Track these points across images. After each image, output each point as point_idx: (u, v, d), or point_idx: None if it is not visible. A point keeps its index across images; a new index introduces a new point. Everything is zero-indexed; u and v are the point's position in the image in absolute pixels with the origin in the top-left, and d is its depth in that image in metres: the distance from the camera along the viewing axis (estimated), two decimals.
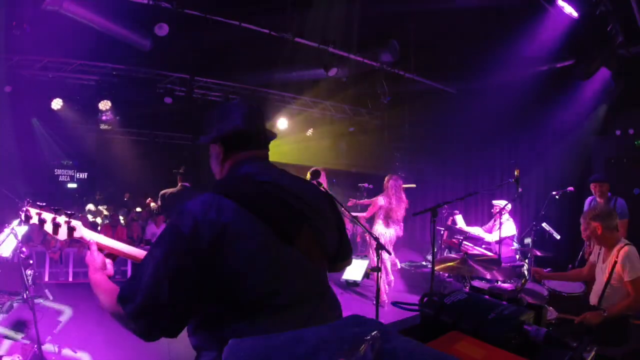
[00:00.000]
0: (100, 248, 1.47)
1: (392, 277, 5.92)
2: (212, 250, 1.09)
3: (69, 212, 1.53)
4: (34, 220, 1.49)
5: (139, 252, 1.52)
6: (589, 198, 4.84)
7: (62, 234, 1.49)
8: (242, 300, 1.13)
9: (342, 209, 3.56)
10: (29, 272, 4.00)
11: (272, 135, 1.42)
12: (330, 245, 1.36)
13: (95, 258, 1.40)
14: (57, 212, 1.51)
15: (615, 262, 2.93)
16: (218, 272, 1.10)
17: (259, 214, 1.16)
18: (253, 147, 1.35)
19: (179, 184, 5.40)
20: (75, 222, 1.51)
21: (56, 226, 1.49)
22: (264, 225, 1.15)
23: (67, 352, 3.74)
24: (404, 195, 5.60)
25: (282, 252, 1.17)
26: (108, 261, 1.46)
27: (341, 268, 1.55)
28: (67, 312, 4.63)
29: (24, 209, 1.49)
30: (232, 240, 1.10)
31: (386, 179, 5.66)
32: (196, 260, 1.09)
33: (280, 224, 1.19)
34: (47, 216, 1.50)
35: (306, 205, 1.28)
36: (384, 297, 5.38)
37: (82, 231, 1.51)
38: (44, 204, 1.53)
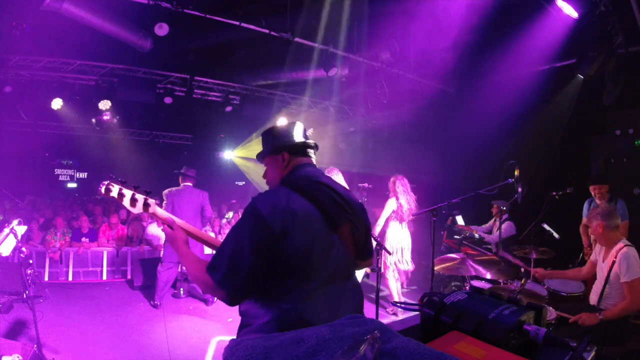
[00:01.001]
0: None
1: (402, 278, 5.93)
2: (283, 229, 1.37)
3: (146, 189, 1.74)
4: (114, 193, 1.66)
5: (201, 233, 1.75)
6: (588, 200, 4.80)
7: (138, 208, 1.70)
8: (298, 272, 1.40)
9: None
10: (29, 272, 4.00)
11: (317, 147, 1.77)
12: (359, 240, 1.64)
13: (181, 233, 1.66)
14: (136, 189, 1.72)
15: (614, 262, 2.93)
16: (285, 248, 1.37)
17: (317, 204, 1.48)
18: (307, 155, 1.71)
19: (182, 184, 5.42)
20: (151, 200, 1.72)
21: (134, 201, 1.69)
22: (320, 213, 1.48)
23: None
24: (412, 192, 5.49)
25: (330, 236, 1.50)
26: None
27: (362, 267, 1.83)
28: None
29: (105, 182, 1.67)
30: (298, 222, 1.41)
31: (391, 180, 5.53)
32: (270, 236, 1.37)
33: (330, 214, 1.50)
34: (127, 192, 1.69)
35: (346, 203, 1.58)
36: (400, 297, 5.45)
37: (155, 208, 1.72)
38: (125, 180, 1.71)
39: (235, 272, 1.36)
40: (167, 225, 1.67)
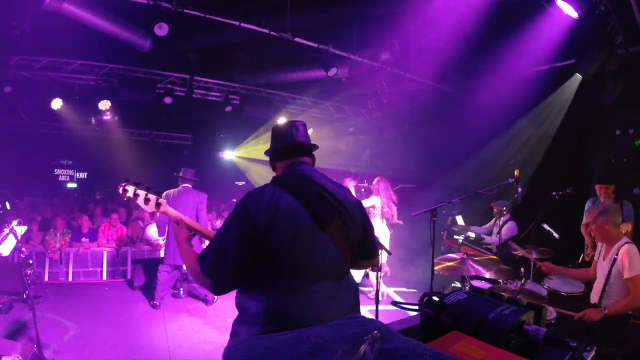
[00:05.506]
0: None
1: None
2: (268, 225, 1.45)
3: (158, 191, 1.94)
4: (130, 194, 1.88)
5: (207, 231, 1.91)
6: (591, 199, 4.74)
7: (150, 207, 1.91)
8: (283, 267, 1.46)
9: None
10: (29, 272, 4.00)
11: (314, 147, 1.84)
12: (355, 239, 1.64)
13: (184, 231, 1.81)
14: (148, 190, 1.93)
15: (615, 260, 2.93)
16: (269, 242, 1.45)
17: (303, 202, 1.52)
18: (298, 154, 1.77)
19: (180, 185, 5.44)
20: (162, 200, 1.93)
21: (147, 200, 1.90)
22: (305, 211, 1.51)
23: None
24: (393, 195, 6.07)
25: (316, 235, 1.52)
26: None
27: (365, 266, 1.86)
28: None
29: (123, 184, 1.88)
30: (282, 218, 1.47)
31: (375, 180, 6.08)
32: (256, 231, 1.45)
33: (317, 212, 1.53)
34: (141, 192, 1.90)
35: (338, 202, 1.61)
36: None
37: (167, 207, 1.93)
38: (139, 182, 1.93)
39: (220, 262, 1.47)
40: (175, 222, 1.85)
